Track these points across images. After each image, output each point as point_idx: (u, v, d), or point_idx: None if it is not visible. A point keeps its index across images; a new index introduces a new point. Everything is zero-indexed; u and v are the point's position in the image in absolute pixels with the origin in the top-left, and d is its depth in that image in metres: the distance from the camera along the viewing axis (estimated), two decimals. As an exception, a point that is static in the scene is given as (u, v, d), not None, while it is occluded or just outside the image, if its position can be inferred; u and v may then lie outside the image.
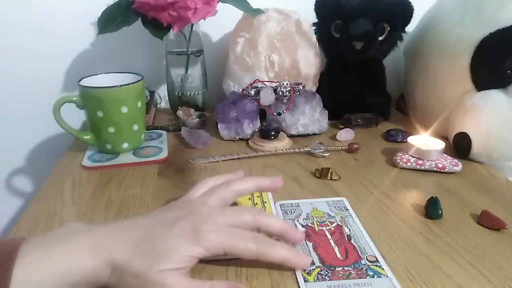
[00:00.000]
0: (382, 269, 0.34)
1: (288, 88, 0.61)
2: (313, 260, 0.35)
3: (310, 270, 0.34)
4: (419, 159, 0.53)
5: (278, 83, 0.62)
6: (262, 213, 0.36)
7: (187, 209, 0.35)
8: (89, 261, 0.30)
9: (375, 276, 0.33)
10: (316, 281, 0.33)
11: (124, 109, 0.53)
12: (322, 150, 0.57)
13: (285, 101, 0.62)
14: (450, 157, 0.53)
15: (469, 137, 0.54)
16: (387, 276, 0.33)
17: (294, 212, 0.43)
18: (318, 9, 0.69)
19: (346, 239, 0.39)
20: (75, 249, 0.30)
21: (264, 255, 0.33)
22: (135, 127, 0.56)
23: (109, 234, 0.32)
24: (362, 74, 0.69)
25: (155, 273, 0.29)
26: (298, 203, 0.45)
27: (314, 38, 0.70)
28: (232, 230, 0.33)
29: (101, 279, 0.30)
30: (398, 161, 0.54)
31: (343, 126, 0.66)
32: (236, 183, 0.38)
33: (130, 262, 0.30)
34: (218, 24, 0.75)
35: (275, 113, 0.62)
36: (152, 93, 0.77)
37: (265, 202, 0.45)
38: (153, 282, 0.29)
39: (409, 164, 0.53)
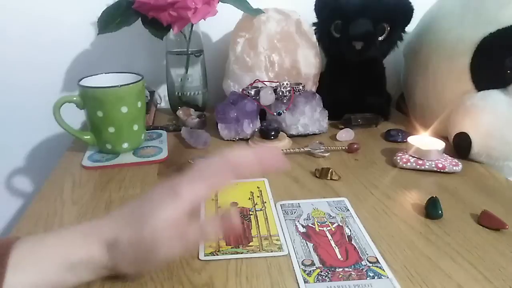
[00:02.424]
0: (383, 270, 0.34)
1: (288, 88, 0.61)
2: (313, 260, 0.35)
3: (311, 271, 0.34)
4: (419, 159, 0.53)
5: (278, 83, 0.62)
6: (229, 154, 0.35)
7: (166, 183, 0.36)
8: (83, 245, 0.31)
9: (376, 277, 0.33)
10: (316, 281, 0.33)
11: (124, 109, 0.53)
12: (322, 150, 0.57)
13: (285, 101, 0.62)
14: (450, 157, 0.53)
15: (469, 137, 0.54)
16: (388, 277, 0.33)
17: (295, 213, 0.43)
18: (318, 9, 0.69)
19: (347, 239, 0.39)
20: (68, 237, 0.32)
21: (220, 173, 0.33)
22: (135, 127, 0.56)
23: (99, 220, 0.34)
24: (362, 74, 0.69)
25: (147, 232, 0.31)
26: (299, 203, 0.45)
27: (314, 38, 0.70)
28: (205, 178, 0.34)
29: (99, 261, 0.31)
30: (398, 161, 0.54)
31: (343, 126, 0.66)
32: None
33: (121, 233, 0.31)
34: (218, 24, 0.75)
35: (275, 113, 0.62)
36: (152, 93, 0.77)
37: (265, 202, 0.45)
38: (146, 238, 0.31)
39: (409, 164, 0.53)
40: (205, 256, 0.36)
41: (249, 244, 0.38)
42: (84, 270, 0.31)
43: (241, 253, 0.36)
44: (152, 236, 0.30)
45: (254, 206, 0.44)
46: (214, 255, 0.36)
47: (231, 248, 0.37)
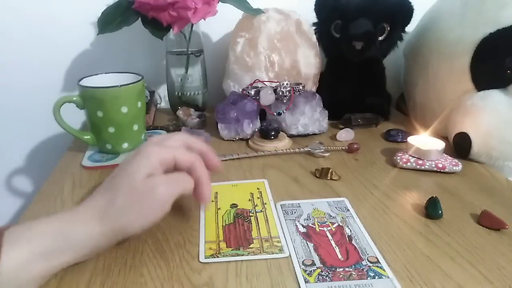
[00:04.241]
0: (383, 270, 0.34)
1: (288, 88, 0.61)
2: (313, 260, 0.35)
3: (311, 271, 0.34)
4: (419, 159, 0.53)
5: (278, 83, 0.62)
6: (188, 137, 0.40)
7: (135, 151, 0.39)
8: (80, 221, 0.33)
9: (376, 277, 0.33)
10: (316, 281, 0.33)
11: (124, 109, 0.53)
12: (322, 150, 0.57)
13: (285, 101, 0.62)
14: (450, 157, 0.54)
15: (469, 137, 0.54)
16: (388, 277, 0.33)
17: (295, 213, 0.43)
18: (318, 9, 0.69)
19: (347, 239, 0.39)
20: (62, 217, 0.33)
21: (195, 165, 0.37)
22: (135, 127, 0.56)
23: (86, 203, 0.35)
24: (362, 74, 0.69)
25: (137, 183, 0.34)
26: (299, 203, 0.45)
27: (314, 38, 0.70)
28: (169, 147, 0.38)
29: (96, 233, 0.33)
30: (398, 161, 0.54)
31: (343, 126, 0.66)
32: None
33: (114, 198, 0.34)
34: (218, 24, 0.75)
35: (275, 113, 0.62)
36: (152, 93, 0.77)
37: (265, 203, 0.45)
38: (138, 188, 0.34)
39: (409, 164, 0.53)
40: (205, 258, 0.36)
41: (249, 246, 0.38)
42: (82, 243, 0.32)
43: (242, 255, 0.36)
44: (143, 183, 0.34)
45: (254, 208, 0.44)
46: (214, 257, 0.36)
47: (232, 250, 0.37)
